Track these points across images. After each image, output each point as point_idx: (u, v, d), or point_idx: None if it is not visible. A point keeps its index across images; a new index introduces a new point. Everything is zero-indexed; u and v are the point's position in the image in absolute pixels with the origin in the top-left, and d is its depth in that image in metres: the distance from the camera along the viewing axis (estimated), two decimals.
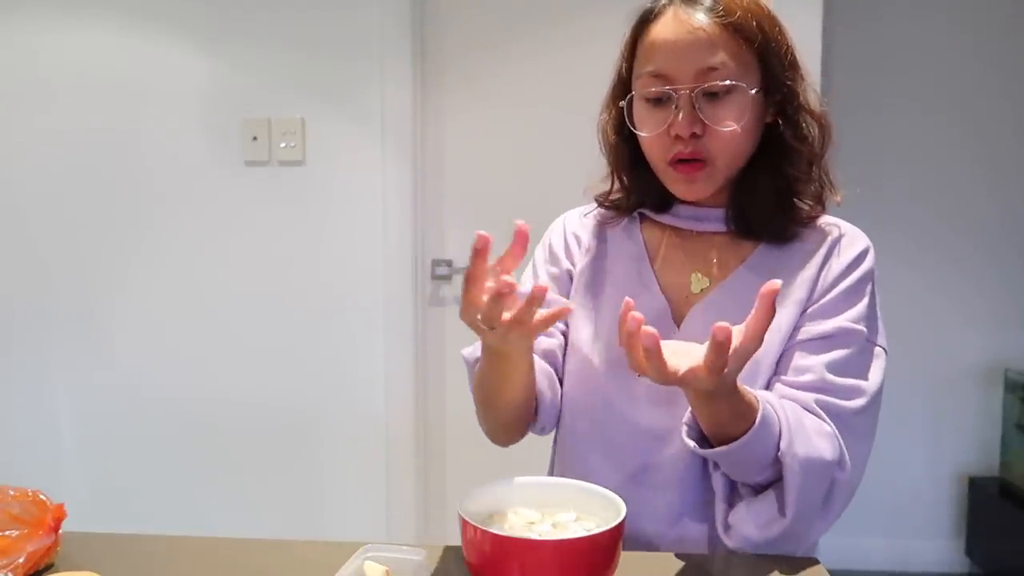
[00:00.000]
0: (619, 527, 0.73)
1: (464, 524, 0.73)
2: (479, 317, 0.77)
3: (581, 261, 1.06)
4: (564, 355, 1.06)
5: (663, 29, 0.92)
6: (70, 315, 2.38)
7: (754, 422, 0.81)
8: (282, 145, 2.27)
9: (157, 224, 2.34)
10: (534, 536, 0.74)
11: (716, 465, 0.91)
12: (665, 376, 0.73)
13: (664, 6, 0.93)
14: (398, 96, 2.25)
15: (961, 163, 2.64)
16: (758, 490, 0.89)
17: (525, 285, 1.08)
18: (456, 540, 0.78)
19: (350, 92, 2.26)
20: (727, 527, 0.90)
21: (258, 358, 2.34)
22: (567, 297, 1.07)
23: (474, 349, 1.03)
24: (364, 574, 0.74)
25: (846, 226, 1.00)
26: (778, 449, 0.84)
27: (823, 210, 0.99)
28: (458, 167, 2.34)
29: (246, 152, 2.29)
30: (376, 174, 2.27)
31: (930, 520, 2.73)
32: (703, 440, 0.87)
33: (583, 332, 1.02)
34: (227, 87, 2.28)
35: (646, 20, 0.94)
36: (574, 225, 1.10)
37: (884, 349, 0.95)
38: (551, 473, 1.10)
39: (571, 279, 1.07)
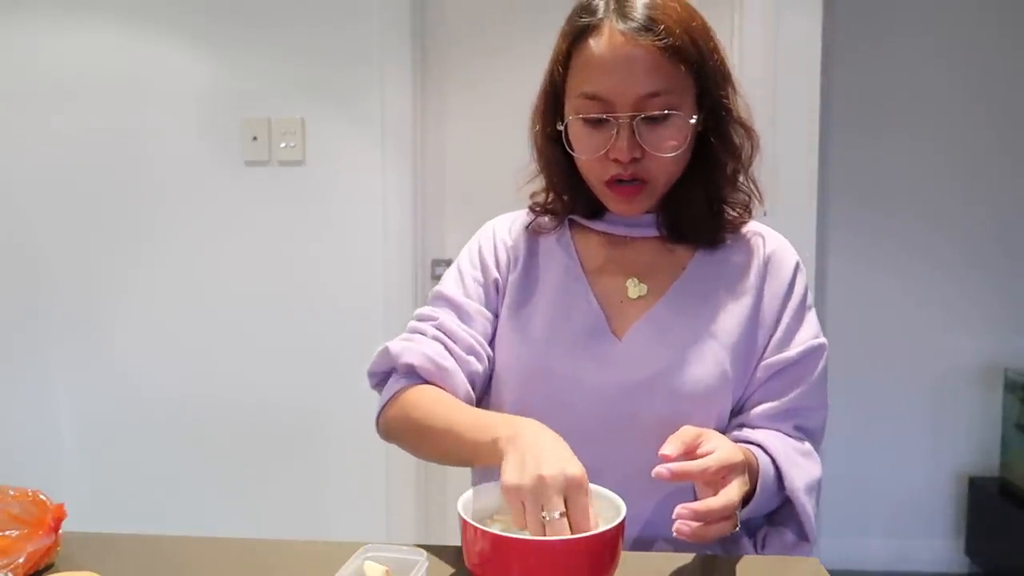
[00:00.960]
0: (619, 527, 0.73)
1: (464, 524, 0.73)
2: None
3: (511, 274, 1.04)
4: (490, 373, 1.03)
5: (600, 48, 0.89)
6: (70, 315, 2.38)
7: (756, 478, 0.88)
8: (282, 145, 2.27)
9: (157, 224, 2.34)
10: (534, 536, 0.74)
11: None
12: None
13: (601, 20, 0.90)
14: (398, 99, 2.25)
15: (960, 173, 2.64)
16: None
17: (447, 285, 1.06)
18: (456, 540, 0.78)
19: (350, 93, 2.26)
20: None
21: (258, 358, 2.34)
22: (492, 307, 1.04)
23: (404, 350, 0.99)
24: (364, 574, 0.74)
25: (772, 237, 1.03)
26: (782, 487, 0.90)
27: (750, 217, 1.02)
28: (458, 168, 2.35)
29: (246, 152, 2.29)
30: (376, 174, 2.27)
31: (930, 520, 2.73)
32: None
33: (514, 347, 1.00)
34: (227, 87, 2.28)
35: (582, 33, 0.92)
36: (504, 234, 1.08)
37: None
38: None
39: (497, 290, 1.05)
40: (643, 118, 0.89)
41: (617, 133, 0.90)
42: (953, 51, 2.61)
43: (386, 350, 1.01)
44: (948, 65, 2.62)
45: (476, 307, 1.03)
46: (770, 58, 2.19)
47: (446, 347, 0.99)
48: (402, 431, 0.99)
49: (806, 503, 0.90)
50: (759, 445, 0.91)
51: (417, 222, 2.31)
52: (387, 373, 1.03)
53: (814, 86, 2.22)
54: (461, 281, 1.05)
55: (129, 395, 2.38)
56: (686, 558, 0.87)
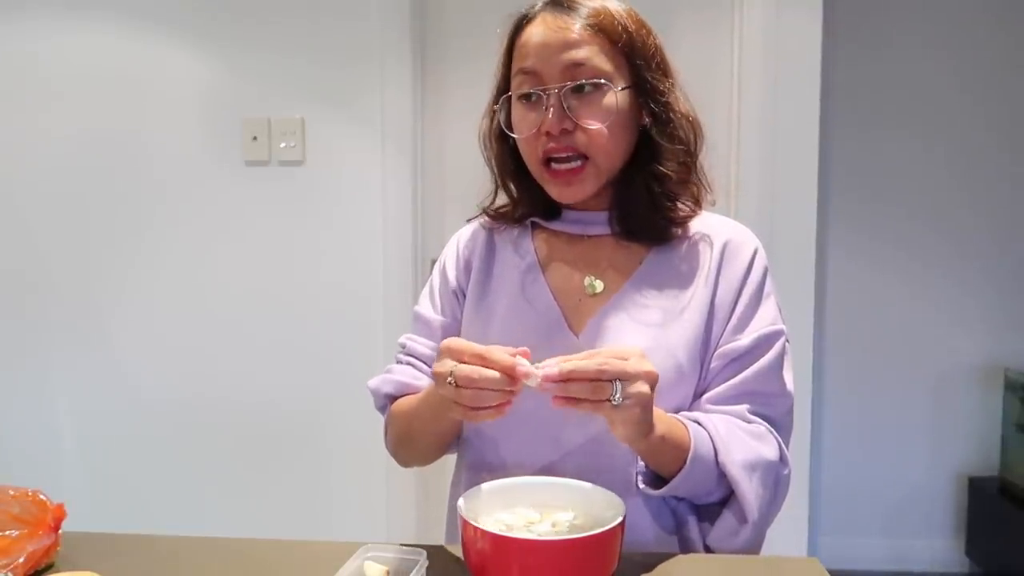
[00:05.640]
0: (619, 527, 0.73)
1: (464, 524, 0.74)
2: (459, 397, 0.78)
3: (470, 278, 1.07)
4: None
5: (534, 31, 0.97)
6: (71, 315, 2.38)
7: (687, 449, 0.86)
8: (282, 145, 2.27)
9: (157, 224, 2.34)
10: (534, 536, 0.74)
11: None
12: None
13: (536, 12, 0.98)
14: (398, 98, 2.24)
15: (955, 174, 2.65)
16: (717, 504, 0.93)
17: (421, 303, 1.11)
18: (456, 540, 0.78)
19: (350, 93, 2.26)
20: (708, 550, 0.93)
21: (258, 358, 2.34)
22: (459, 316, 1.07)
23: (381, 383, 1.06)
24: (364, 574, 0.74)
25: (727, 227, 1.02)
26: (718, 462, 0.88)
27: (701, 209, 1.03)
28: (457, 168, 2.34)
29: (246, 152, 2.29)
30: (376, 174, 2.27)
31: (930, 520, 2.73)
32: (658, 480, 0.90)
33: None
34: (227, 87, 2.28)
35: (520, 25, 0.99)
36: (465, 241, 1.11)
37: (787, 339, 0.99)
38: (453, 492, 1.10)
39: (459, 299, 1.08)
40: (572, 89, 0.93)
41: (547, 107, 0.93)
42: (953, 50, 2.61)
43: (369, 388, 1.08)
44: (948, 64, 2.62)
45: (445, 322, 1.08)
46: (770, 58, 2.19)
47: (417, 368, 1.07)
48: (399, 444, 1.07)
49: (742, 478, 0.88)
50: (697, 422, 0.90)
51: (417, 222, 2.31)
52: (384, 407, 1.10)
53: (814, 86, 2.22)
54: (431, 297, 1.11)
55: (129, 395, 2.38)
56: (686, 558, 0.87)
